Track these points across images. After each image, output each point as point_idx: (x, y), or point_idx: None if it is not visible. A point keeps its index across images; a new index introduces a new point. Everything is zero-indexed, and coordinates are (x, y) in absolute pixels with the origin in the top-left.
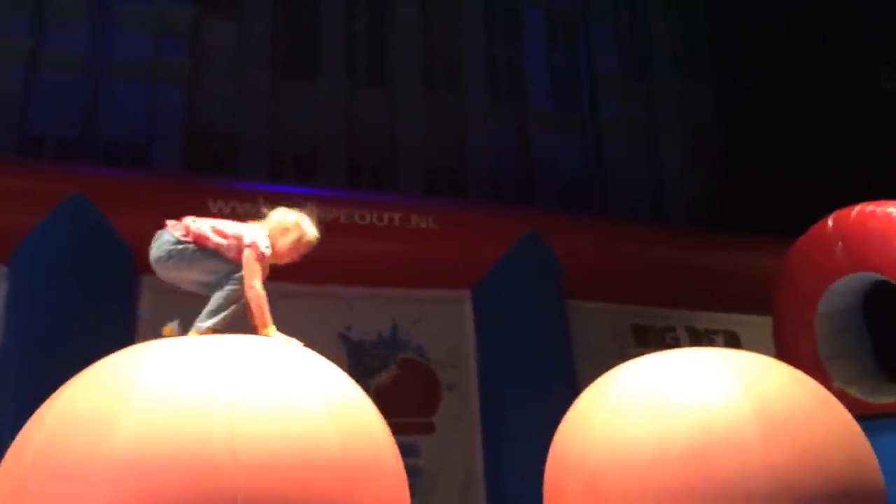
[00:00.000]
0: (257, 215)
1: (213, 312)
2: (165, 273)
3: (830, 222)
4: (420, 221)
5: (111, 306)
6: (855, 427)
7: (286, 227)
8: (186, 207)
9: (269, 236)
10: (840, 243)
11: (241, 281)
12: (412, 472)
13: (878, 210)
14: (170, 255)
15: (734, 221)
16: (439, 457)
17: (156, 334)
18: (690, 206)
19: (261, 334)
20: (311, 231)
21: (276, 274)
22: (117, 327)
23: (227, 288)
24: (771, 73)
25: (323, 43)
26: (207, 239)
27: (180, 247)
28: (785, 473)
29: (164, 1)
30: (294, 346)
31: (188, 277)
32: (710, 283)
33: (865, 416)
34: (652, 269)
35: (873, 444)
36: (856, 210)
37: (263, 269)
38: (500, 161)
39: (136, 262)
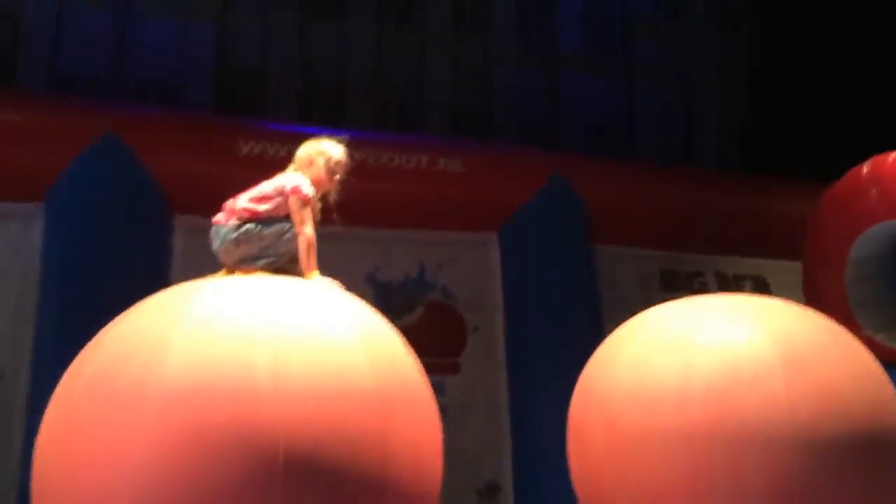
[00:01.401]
0: (287, 157)
1: (268, 255)
2: (235, 257)
3: (866, 168)
4: (447, 164)
5: (145, 244)
6: (880, 373)
7: (311, 157)
8: (216, 148)
9: (303, 175)
10: (874, 189)
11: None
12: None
13: None
14: (238, 242)
15: (766, 165)
16: (465, 396)
17: (189, 273)
18: (722, 150)
19: (305, 277)
20: (333, 149)
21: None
22: (152, 264)
23: (287, 237)
24: (806, 13)
25: None
26: (257, 212)
27: (242, 230)
28: (807, 415)
29: None
30: (335, 288)
31: (260, 252)
32: (739, 227)
33: (894, 363)
34: (680, 214)
35: None
36: (892, 156)
37: (313, 210)
38: (529, 103)
39: (168, 201)
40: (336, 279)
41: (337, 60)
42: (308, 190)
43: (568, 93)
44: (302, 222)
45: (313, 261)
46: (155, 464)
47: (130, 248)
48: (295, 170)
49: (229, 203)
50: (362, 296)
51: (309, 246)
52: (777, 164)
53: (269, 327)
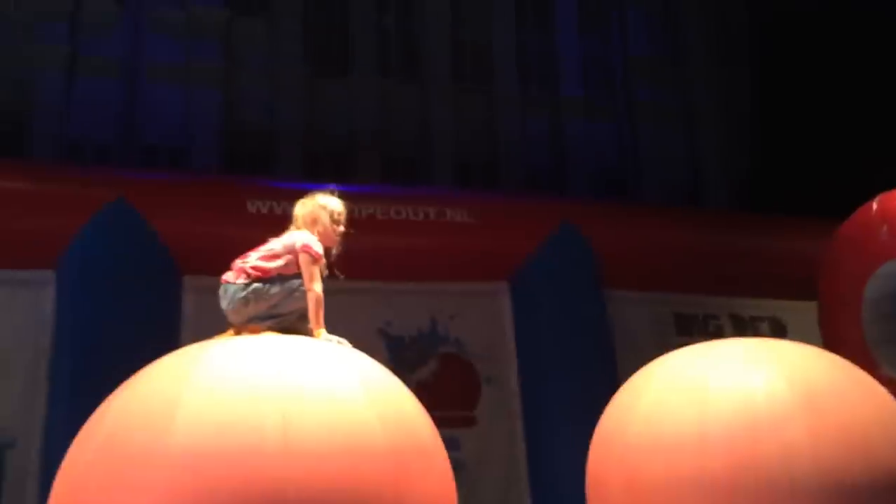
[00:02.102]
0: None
1: (277, 314)
2: (245, 316)
3: (875, 205)
4: (455, 215)
5: (155, 306)
6: None
7: (314, 214)
8: (223, 208)
9: (309, 232)
10: (885, 227)
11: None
12: (454, 466)
13: None
14: (247, 301)
15: (773, 204)
16: (481, 450)
17: (199, 333)
18: (729, 190)
19: (313, 335)
20: (332, 202)
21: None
22: (162, 326)
23: (296, 295)
24: (808, 50)
25: (354, 39)
26: (266, 270)
27: (251, 288)
28: (830, 460)
29: (197, 4)
30: (343, 346)
31: (269, 311)
32: (754, 268)
33: None
34: (692, 256)
35: None
36: None
37: (321, 268)
38: (533, 150)
39: (176, 264)
40: (345, 335)
41: (342, 116)
42: (318, 248)
43: (572, 139)
44: (312, 279)
45: (321, 318)
46: None
47: (141, 310)
48: (298, 229)
49: (238, 262)
50: (374, 350)
51: (318, 303)
52: (784, 201)
53: (278, 386)
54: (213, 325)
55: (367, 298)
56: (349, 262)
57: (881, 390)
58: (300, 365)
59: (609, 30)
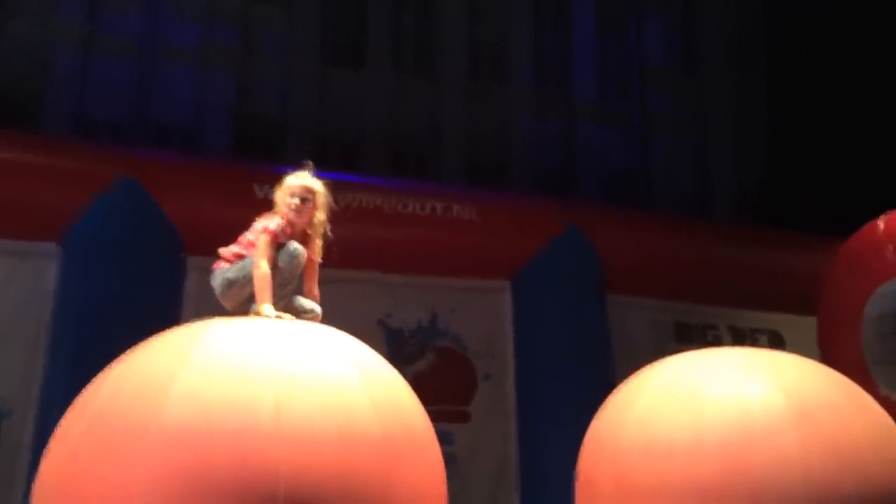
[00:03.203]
0: None
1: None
2: (236, 298)
3: (881, 224)
4: (462, 212)
5: (158, 286)
6: None
7: (276, 200)
8: (231, 192)
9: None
10: (891, 245)
11: (294, 255)
12: (446, 460)
13: None
14: (230, 283)
15: (781, 219)
16: (473, 446)
17: (200, 313)
18: (737, 202)
19: (256, 308)
20: (288, 178)
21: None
22: (164, 306)
23: (280, 265)
24: (823, 68)
25: (370, 32)
26: (243, 256)
27: (235, 267)
28: (820, 473)
29: None
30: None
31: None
32: (755, 281)
33: None
34: (695, 266)
35: None
36: None
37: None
38: (545, 152)
39: (182, 244)
40: (345, 325)
41: (354, 109)
42: (272, 226)
43: (584, 143)
44: (259, 255)
45: (266, 294)
46: (155, 503)
47: (144, 288)
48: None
49: (221, 251)
50: (373, 341)
51: (262, 278)
52: (793, 217)
53: (274, 369)
54: (215, 305)
55: (369, 289)
56: (353, 252)
57: (876, 407)
58: (297, 348)
59: (626, 37)
